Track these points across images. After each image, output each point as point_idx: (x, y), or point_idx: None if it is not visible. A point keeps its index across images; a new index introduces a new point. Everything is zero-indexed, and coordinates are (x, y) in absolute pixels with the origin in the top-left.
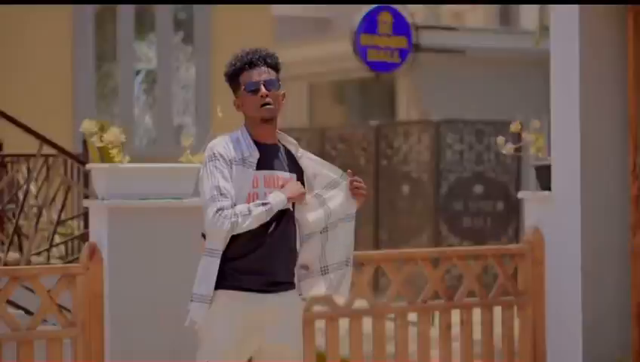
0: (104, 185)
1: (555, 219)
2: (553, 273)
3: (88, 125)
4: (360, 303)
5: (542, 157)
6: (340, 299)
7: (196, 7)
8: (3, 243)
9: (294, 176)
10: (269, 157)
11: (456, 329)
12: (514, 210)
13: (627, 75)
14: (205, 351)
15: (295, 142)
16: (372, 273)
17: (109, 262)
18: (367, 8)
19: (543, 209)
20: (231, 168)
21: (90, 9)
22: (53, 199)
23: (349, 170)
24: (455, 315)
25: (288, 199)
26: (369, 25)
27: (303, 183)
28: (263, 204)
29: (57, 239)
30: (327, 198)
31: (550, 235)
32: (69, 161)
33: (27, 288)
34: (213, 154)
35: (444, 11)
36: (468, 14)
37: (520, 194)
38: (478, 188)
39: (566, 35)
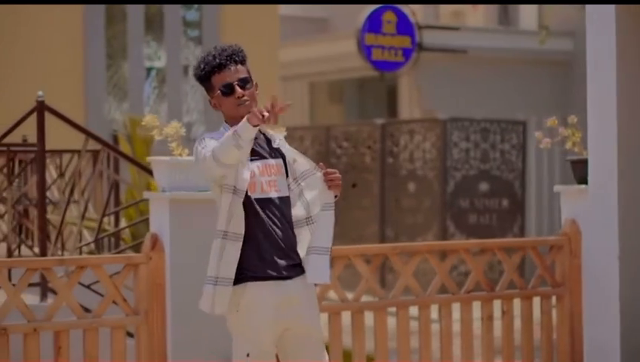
0: (165, 177)
1: (592, 211)
2: (590, 264)
3: (151, 119)
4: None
5: (573, 152)
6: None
7: (205, 7)
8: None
9: (281, 161)
10: (257, 148)
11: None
12: (519, 207)
13: None
14: (241, 342)
15: (272, 132)
16: (416, 264)
17: (171, 252)
18: (371, 8)
19: (579, 202)
20: None
21: (100, 8)
22: (82, 194)
23: (320, 163)
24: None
25: (248, 120)
26: (373, 24)
27: (286, 169)
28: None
29: (87, 235)
30: (304, 188)
31: (587, 227)
32: (101, 157)
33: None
34: (204, 139)
35: (444, 10)
36: (468, 14)
37: (556, 188)
38: (484, 186)
39: (602, 31)
